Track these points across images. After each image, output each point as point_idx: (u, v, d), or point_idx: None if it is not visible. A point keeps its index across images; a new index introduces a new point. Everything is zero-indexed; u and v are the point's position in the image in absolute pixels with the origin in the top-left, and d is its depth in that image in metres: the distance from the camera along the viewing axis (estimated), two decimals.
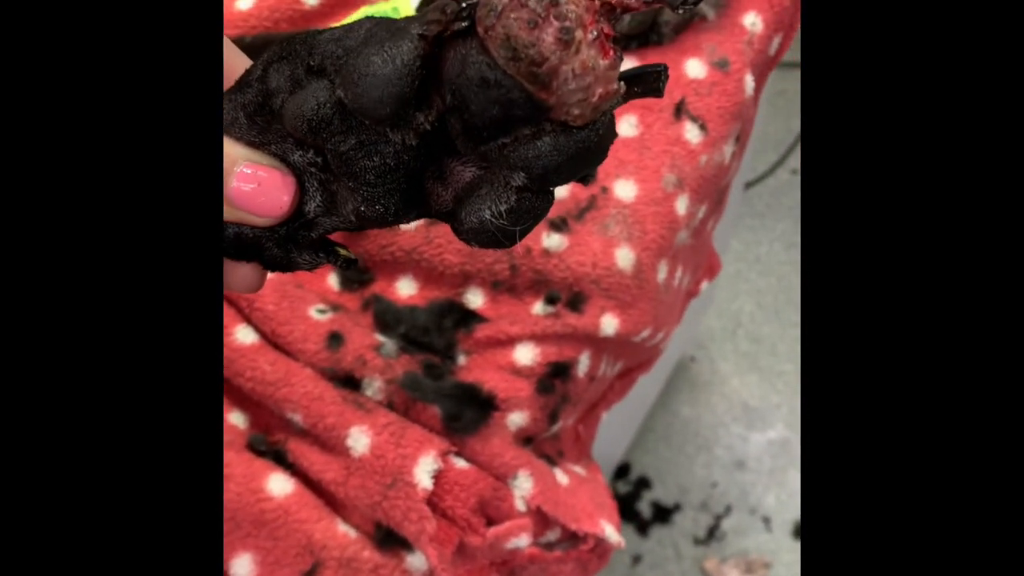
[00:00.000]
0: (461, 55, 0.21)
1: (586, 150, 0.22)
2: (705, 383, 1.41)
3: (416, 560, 0.41)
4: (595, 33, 0.21)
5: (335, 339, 0.44)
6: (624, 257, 0.47)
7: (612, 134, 0.22)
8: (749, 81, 0.52)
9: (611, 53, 0.21)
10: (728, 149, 0.51)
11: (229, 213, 0.25)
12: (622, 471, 1.33)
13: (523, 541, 0.43)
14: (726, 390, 1.39)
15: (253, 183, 0.24)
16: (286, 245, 0.26)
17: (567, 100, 0.21)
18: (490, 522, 0.43)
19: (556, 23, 0.21)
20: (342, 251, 0.26)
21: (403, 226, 0.46)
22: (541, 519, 0.44)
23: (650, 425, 1.37)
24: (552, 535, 0.46)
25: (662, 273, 0.49)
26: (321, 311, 0.45)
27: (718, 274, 0.68)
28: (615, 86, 0.21)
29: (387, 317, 0.45)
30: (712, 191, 0.52)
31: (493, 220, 0.23)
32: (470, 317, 0.45)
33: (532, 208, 0.23)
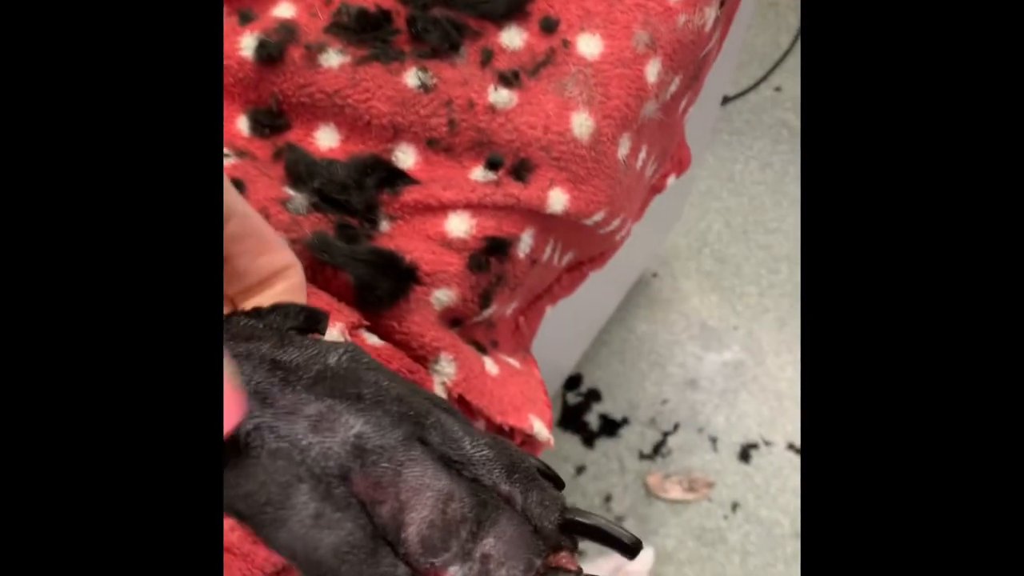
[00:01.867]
0: None
1: None
2: (665, 300, 1.37)
3: None
4: None
5: (235, 188, 0.37)
6: (581, 123, 0.41)
7: None
8: None
9: None
10: (711, 12, 0.45)
11: None
12: (573, 382, 1.30)
13: None
14: (686, 308, 1.36)
15: None
16: None
17: None
18: None
19: None
20: None
21: (325, 62, 0.40)
22: (463, 409, 0.39)
23: (605, 339, 1.33)
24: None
25: (624, 148, 0.43)
26: (224, 156, 0.38)
27: (687, 169, 0.63)
28: None
29: (300, 169, 0.39)
30: (688, 61, 0.46)
31: None
32: (397, 177, 0.39)
33: None
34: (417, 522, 0.24)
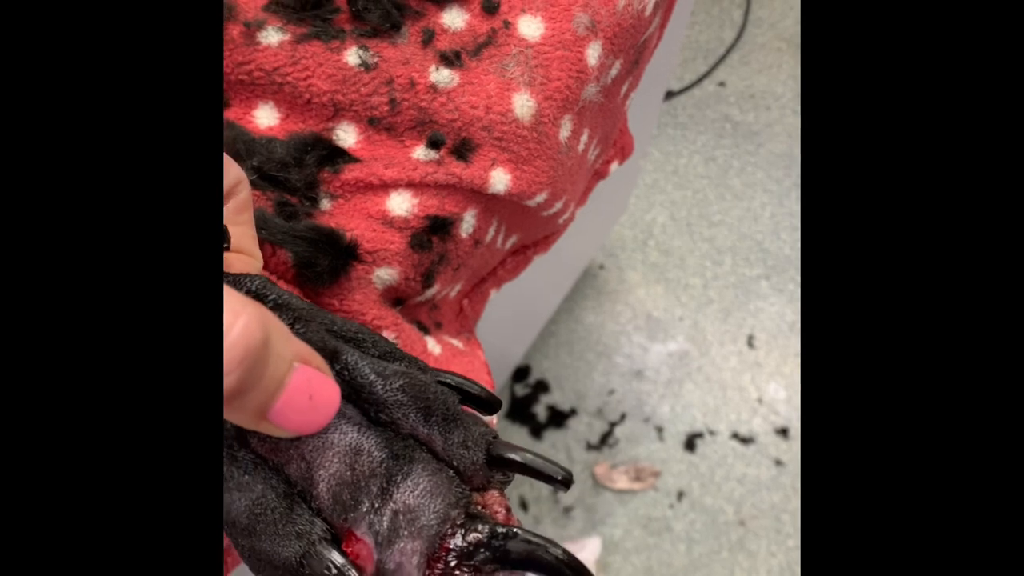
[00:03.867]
0: None
1: None
2: (611, 291, 1.38)
3: None
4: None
5: None
6: (523, 104, 0.41)
7: None
8: None
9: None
10: None
11: (247, 420, 0.21)
12: (521, 374, 1.31)
13: None
14: (631, 299, 1.37)
15: (307, 394, 0.21)
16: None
17: None
18: None
19: None
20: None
21: (264, 40, 0.39)
22: None
23: (553, 330, 1.34)
24: None
25: (565, 131, 0.44)
26: None
27: (630, 156, 0.63)
28: None
29: (238, 147, 0.38)
30: (628, 46, 0.46)
31: None
32: (338, 155, 0.39)
33: None
34: (326, 479, 0.23)
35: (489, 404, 0.26)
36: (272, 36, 0.39)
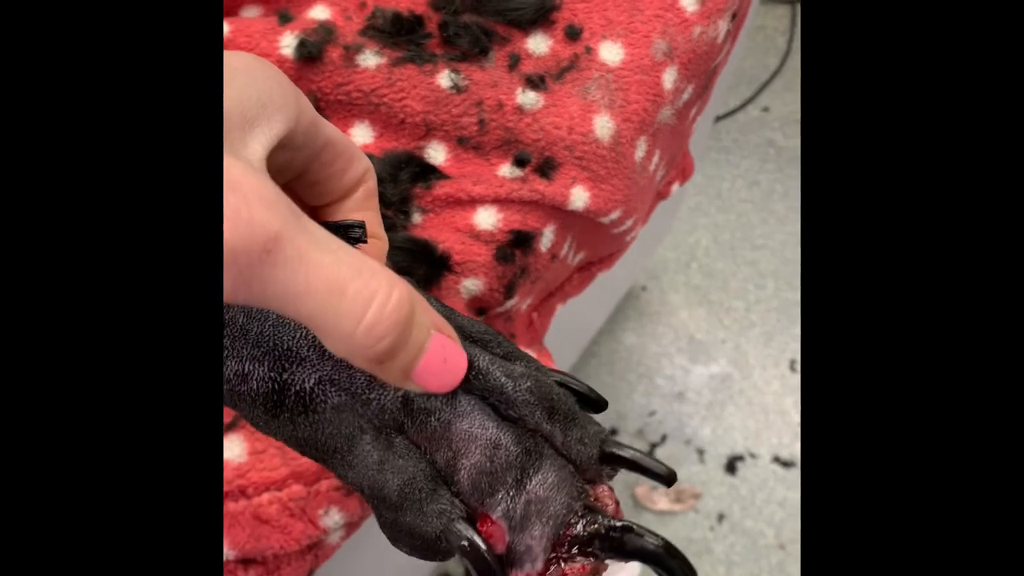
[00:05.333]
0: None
1: None
2: (653, 313, 1.39)
3: None
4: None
5: None
6: (603, 126, 0.43)
7: None
8: None
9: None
10: (723, 25, 0.47)
11: (397, 378, 0.23)
12: None
13: None
14: (673, 321, 1.38)
15: (442, 358, 0.23)
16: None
17: None
18: None
19: None
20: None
21: (363, 63, 0.42)
22: None
23: (594, 351, 1.35)
24: None
25: (640, 151, 0.46)
26: None
27: (690, 178, 0.65)
28: None
29: None
30: (701, 71, 0.48)
31: None
32: (430, 172, 0.41)
33: None
34: (468, 468, 0.26)
35: (596, 404, 0.29)
36: (370, 59, 0.41)
